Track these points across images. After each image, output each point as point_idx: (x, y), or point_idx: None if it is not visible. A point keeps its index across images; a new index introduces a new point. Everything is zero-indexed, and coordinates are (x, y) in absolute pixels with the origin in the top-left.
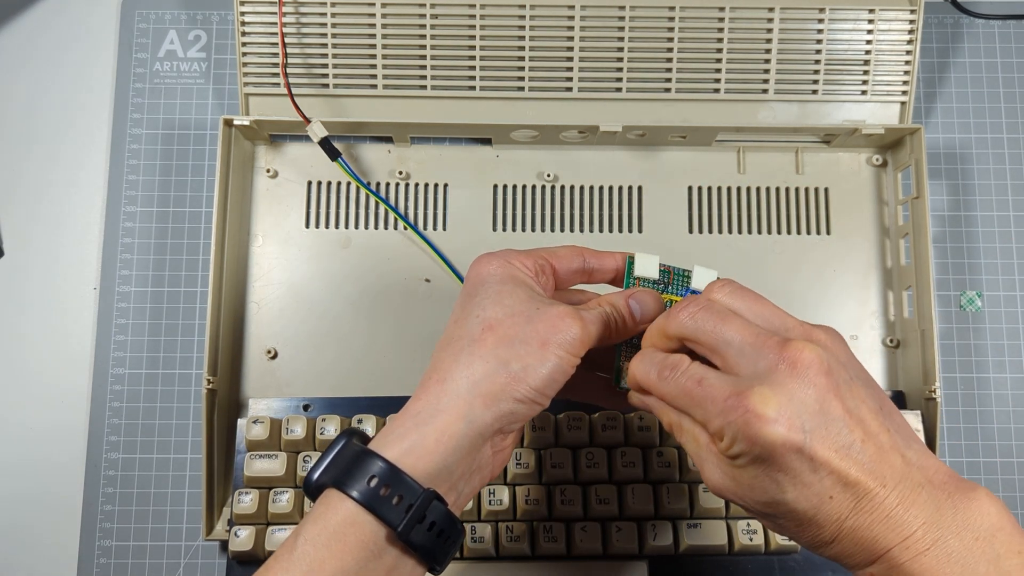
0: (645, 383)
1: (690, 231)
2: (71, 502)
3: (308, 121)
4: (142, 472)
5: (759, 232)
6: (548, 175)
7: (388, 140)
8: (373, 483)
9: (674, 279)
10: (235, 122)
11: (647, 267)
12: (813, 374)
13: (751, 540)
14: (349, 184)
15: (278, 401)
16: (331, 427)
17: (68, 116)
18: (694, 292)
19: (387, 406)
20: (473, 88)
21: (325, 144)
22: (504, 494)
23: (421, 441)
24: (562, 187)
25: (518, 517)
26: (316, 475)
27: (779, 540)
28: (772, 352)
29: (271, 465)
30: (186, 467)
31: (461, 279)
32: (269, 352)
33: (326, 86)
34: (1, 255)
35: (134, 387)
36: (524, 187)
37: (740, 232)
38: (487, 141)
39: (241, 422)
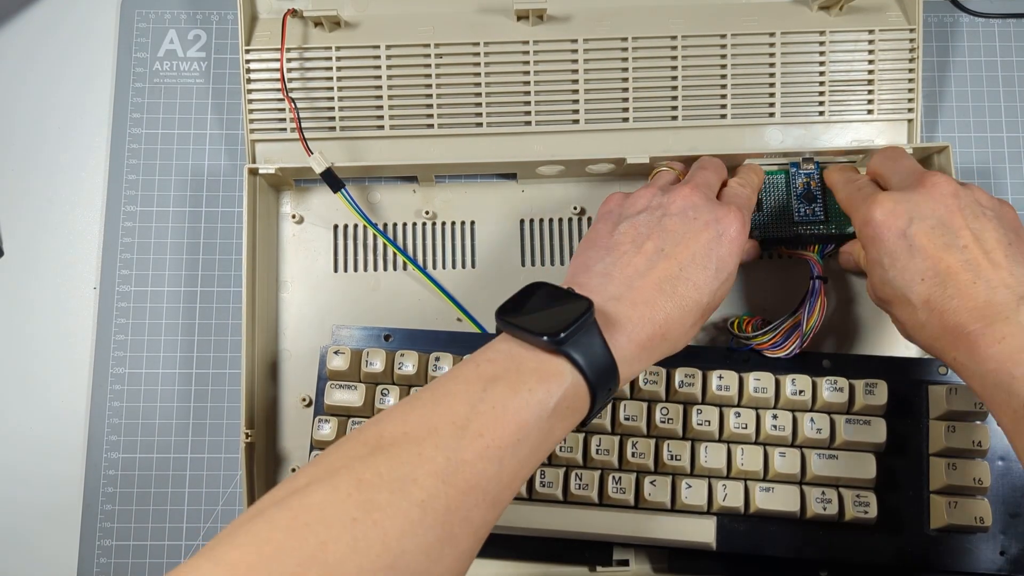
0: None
1: None
2: (71, 502)
3: (311, 153)
4: (142, 472)
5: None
6: (575, 208)
7: (413, 180)
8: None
9: None
10: (260, 171)
11: None
12: (939, 193)
13: (824, 509)
14: (375, 225)
15: (359, 330)
16: (409, 363)
17: (68, 116)
18: None
19: (466, 343)
20: (493, 124)
21: (328, 175)
22: (576, 441)
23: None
24: (589, 218)
25: (587, 465)
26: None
27: (854, 512)
28: (916, 177)
29: (350, 396)
30: (186, 467)
31: (472, 319)
32: (304, 400)
33: (342, 129)
34: (1, 255)
35: (134, 387)
36: (551, 220)
37: (771, 257)
38: (512, 176)
39: (323, 348)
